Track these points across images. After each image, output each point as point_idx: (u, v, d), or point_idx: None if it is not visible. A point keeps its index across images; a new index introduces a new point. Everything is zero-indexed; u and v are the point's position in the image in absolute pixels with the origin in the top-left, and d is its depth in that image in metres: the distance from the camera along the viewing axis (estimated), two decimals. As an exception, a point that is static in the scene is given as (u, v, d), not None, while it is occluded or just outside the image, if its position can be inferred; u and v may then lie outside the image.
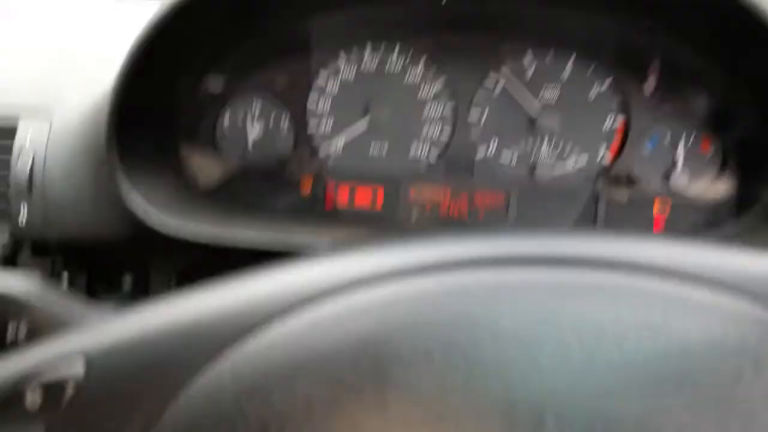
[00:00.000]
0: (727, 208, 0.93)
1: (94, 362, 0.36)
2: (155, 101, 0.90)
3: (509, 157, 0.98)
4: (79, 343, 0.37)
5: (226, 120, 1.00)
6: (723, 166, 0.93)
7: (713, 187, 0.94)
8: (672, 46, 0.90)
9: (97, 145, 0.83)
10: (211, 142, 1.01)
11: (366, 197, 1.00)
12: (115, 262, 0.99)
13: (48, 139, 0.87)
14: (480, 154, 0.99)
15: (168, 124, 0.96)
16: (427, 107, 0.99)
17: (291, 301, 0.33)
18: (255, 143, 1.00)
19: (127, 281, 0.99)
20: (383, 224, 0.99)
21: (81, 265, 0.96)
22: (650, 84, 0.93)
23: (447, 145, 0.99)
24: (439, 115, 0.99)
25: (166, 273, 0.98)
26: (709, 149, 0.94)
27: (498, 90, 0.97)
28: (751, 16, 0.73)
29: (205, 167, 1.00)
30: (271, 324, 0.33)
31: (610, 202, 0.96)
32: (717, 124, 0.92)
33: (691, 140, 0.94)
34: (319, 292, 0.33)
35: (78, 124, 0.87)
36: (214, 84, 0.99)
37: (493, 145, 0.98)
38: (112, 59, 0.80)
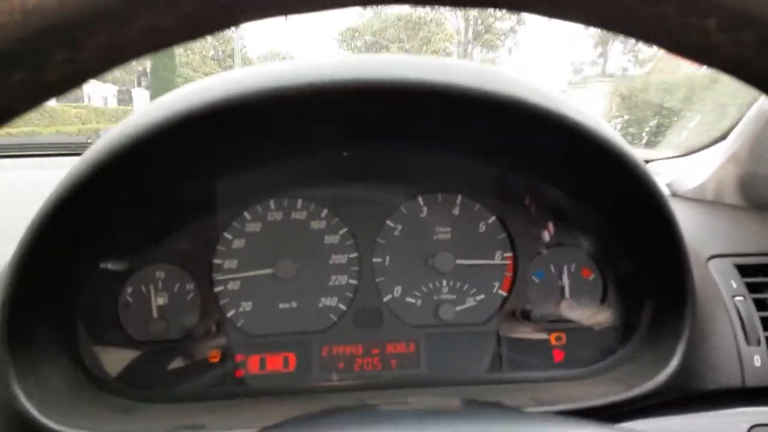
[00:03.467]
0: (615, 333, 1.01)
1: None
2: (51, 287, 0.86)
3: (413, 300, 1.02)
4: None
5: (127, 295, 0.98)
6: (605, 293, 1.02)
7: (601, 314, 1.02)
8: (547, 190, 1.01)
9: None
10: (112, 321, 0.97)
11: (278, 363, 0.99)
12: None
13: None
14: (386, 299, 1.02)
15: (64, 309, 0.91)
16: (333, 256, 1.03)
17: None
18: (160, 315, 0.97)
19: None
20: (297, 387, 0.97)
21: None
22: (534, 222, 1.03)
23: (354, 294, 1.02)
24: (345, 262, 1.03)
25: None
26: (590, 274, 1.03)
27: (397, 233, 1.03)
28: (620, 173, 0.83)
29: (107, 351, 0.96)
30: None
31: (510, 338, 1.01)
32: (596, 261, 1.02)
33: (572, 268, 1.03)
34: None
35: None
36: (113, 262, 0.97)
37: (398, 290, 1.03)
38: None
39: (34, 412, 0.78)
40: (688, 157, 1.40)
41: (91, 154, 0.75)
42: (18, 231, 0.77)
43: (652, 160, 1.48)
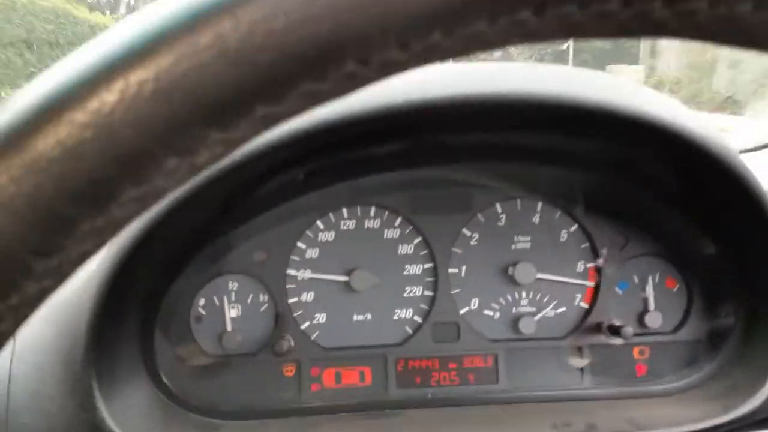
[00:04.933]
0: (701, 346, 0.97)
1: None
2: (131, 311, 0.84)
3: (491, 313, 0.99)
4: None
5: (200, 305, 0.96)
6: (690, 302, 0.98)
7: (687, 326, 0.98)
8: (634, 196, 0.97)
9: (69, 360, 0.77)
10: (186, 335, 0.95)
11: (353, 377, 0.97)
12: None
13: (12, 355, 0.80)
14: (462, 312, 0.99)
15: (143, 325, 0.89)
16: (407, 267, 1.00)
17: None
18: (233, 327, 0.95)
19: None
20: (374, 402, 0.95)
21: None
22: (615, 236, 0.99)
23: (430, 306, 0.99)
24: (419, 273, 1.00)
25: None
26: (675, 285, 0.99)
27: (473, 242, 1.00)
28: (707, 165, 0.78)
29: (182, 366, 0.94)
30: None
31: (592, 352, 0.98)
32: (682, 271, 0.98)
33: (657, 278, 0.99)
34: None
35: (47, 335, 0.80)
36: (187, 279, 0.94)
37: (475, 302, 1.00)
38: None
39: None
40: None
41: None
42: None
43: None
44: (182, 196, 0.71)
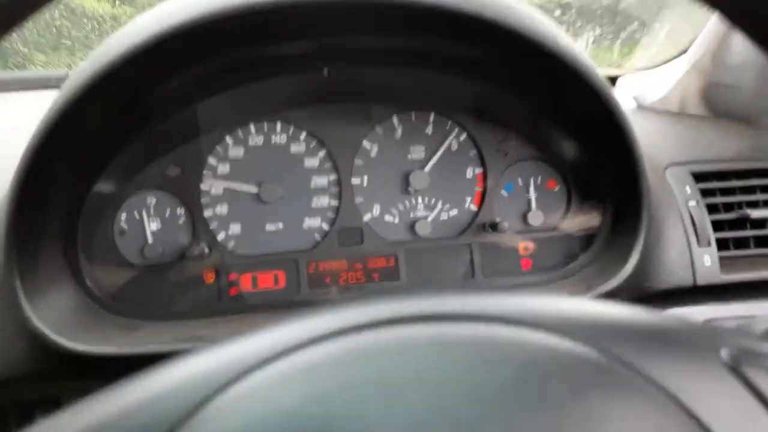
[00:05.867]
0: (578, 239, 1.08)
1: None
2: (49, 212, 0.91)
3: (391, 218, 1.09)
4: None
5: (122, 220, 1.04)
6: (569, 202, 1.09)
7: (566, 222, 1.09)
8: (516, 106, 1.06)
9: None
10: (109, 246, 1.03)
11: (268, 280, 1.06)
12: (24, 400, 0.98)
13: None
14: (366, 219, 1.09)
15: (64, 234, 0.97)
16: (313, 179, 1.09)
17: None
18: (154, 239, 1.04)
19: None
20: (288, 302, 1.05)
21: None
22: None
23: (336, 214, 1.09)
24: (325, 185, 1.09)
25: None
26: (555, 186, 1.10)
27: (373, 154, 1.09)
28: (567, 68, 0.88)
29: (106, 274, 1.02)
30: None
31: (482, 250, 1.09)
32: (561, 173, 1.09)
33: (539, 181, 1.09)
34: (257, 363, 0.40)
35: None
36: (105, 185, 1.02)
37: (376, 209, 1.09)
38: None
39: (48, 332, 0.85)
40: (658, 69, 1.44)
41: (77, 75, 0.78)
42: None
43: (621, 75, 1.51)
44: (83, 90, 0.77)
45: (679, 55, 1.35)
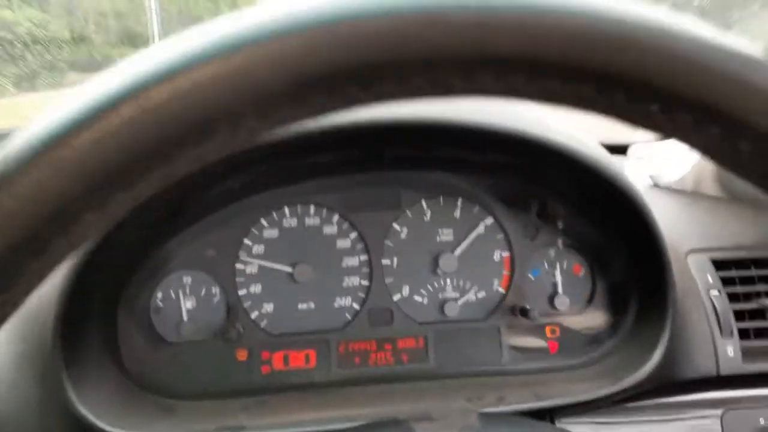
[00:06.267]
0: (603, 326, 1.11)
1: None
2: (94, 296, 0.94)
3: (420, 299, 1.12)
4: None
5: (158, 300, 1.06)
6: (594, 288, 1.12)
7: (591, 308, 1.12)
8: (544, 197, 1.11)
9: (41, 352, 0.87)
10: (145, 323, 1.05)
11: (300, 359, 1.08)
12: None
13: None
14: (396, 299, 1.11)
15: (104, 313, 0.99)
16: (345, 259, 1.11)
17: None
18: (189, 317, 1.06)
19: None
20: (318, 382, 1.07)
21: None
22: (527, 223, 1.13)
23: (366, 294, 1.11)
24: (356, 264, 1.12)
25: None
26: (580, 271, 1.13)
27: (403, 236, 1.12)
28: (607, 185, 0.94)
29: (143, 353, 1.04)
30: None
31: (510, 332, 1.11)
32: (587, 259, 1.13)
33: (564, 266, 1.13)
34: None
35: (21, 325, 0.90)
36: (145, 270, 1.05)
37: (406, 290, 1.12)
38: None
39: (90, 416, 0.87)
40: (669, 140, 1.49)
41: None
42: None
43: (631, 144, 1.56)
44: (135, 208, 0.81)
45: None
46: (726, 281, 1.07)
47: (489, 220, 1.13)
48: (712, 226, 1.17)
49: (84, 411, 0.87)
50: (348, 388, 1.06)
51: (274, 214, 1.10)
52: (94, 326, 0.95)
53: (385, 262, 1.12)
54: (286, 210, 1.10)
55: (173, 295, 1.07)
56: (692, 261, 1.08)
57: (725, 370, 1.01)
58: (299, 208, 1.10)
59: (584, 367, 1.07)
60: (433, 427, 0.62)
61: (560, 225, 1.12)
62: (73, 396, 0.87)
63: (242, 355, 1.07)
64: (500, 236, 1.13)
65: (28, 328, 0.90)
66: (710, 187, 1.31)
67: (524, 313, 1.09)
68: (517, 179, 1.09)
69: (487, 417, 0.71)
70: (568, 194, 1.08)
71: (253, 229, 1.09)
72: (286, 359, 1.08)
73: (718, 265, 1.08)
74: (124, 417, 0.91)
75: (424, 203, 1.12)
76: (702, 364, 1.01)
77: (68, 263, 0.85)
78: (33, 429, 0.90)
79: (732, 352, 1.02)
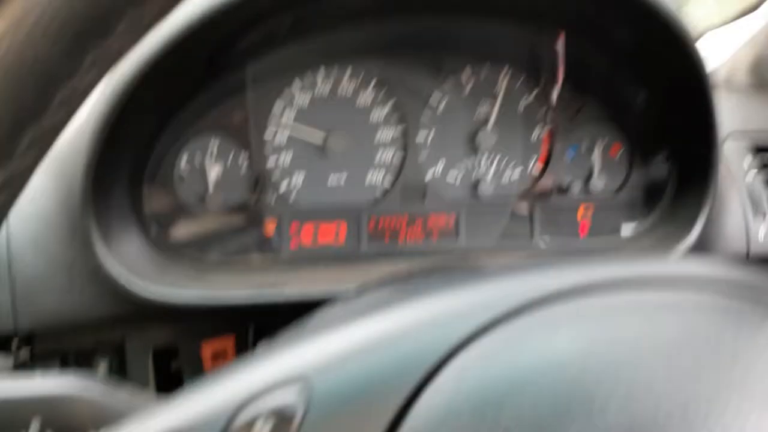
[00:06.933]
0: (638, 206, 1.10)
1: (314, 386, 0.36)
2: (123, 154, 0.89)
3: (454, 176, 1.09)
4: (293, 367, 0.38)
5: (183, 162, 1.00)
6: (630, 168, 1.10)
7: (625, 189, 1.11)
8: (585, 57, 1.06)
9: (67, 206, 0.83)
10: (169, 192, 0.99)
11: (329, 234, 1.05)
12: (87, 346, 0.97)
13: None
14: (429, 176, 1.08)
15: (132, 177, 0.94)
16: (379, 131, 1.06)
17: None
18: (215, 185, 1.00)
19: (102, 366, 0.97)
20: (348, 257, 1.05)
21: (51, 353, 0.93)
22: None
23: (400, 170, 1.07)
24: (390, 138, 1.06)
25: (142, 352, 0.98)
26: (617, 153, 1.10)
27: (441, 109, 1.06)
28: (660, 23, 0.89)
29: (168, 219, 1.00)
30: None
31: (542, 212, 1.09)
32: (626, 138, 1.09)
33: (603, 146, 1.10)
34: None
35: (44, 184, 0.85)
36: (173, 129, 0.98)
37: (440, 166, 1.08)
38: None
39: (120, 277, 0.84)
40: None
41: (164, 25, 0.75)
42: None
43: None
44: (169, 47, 0.76)
45: (724, 23, 1.35)
46: (762, 165, 1.06)
47: (532, 95, 1.08)
48: (748, 113, 1.15)
49: (113, 269, 0.83)
50: (377, 263, 1.04)
51: (307, 77, 1.03)
52: (122, 187, 0.90)
53: (420, 137, 1.07)
54: (322, 70, 1.03)
55: (198, 162, 1.00)
56: (729, 145, 1.06)
57: (755, 250, 1.02)
58: (336, 70, 1.03)
59: (616, 246, 1.07)
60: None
61: (608, 101, 1.08)
62: (102, 253, 0.83)
63: (270, 228, 1.04)
64: (542, 110, 1.08)
65: (52, 181, 0.85)
66: (744, 78, 1.28)
67: (560, 189, 1.07)
68: (576, 40, 1.03)
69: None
70: (629, 62, 1.04)
71: (285, 90, 1.02)
72: (315, 233, 1.05)
73: (756, 149, 1.07)
74: (154, 279, 0.88)
75: (468, 70, 1.06)
76: (733, 244, 1.02)
77: (93, 112, 0.79)
78: (62, 292, 0.86)
79: (763, 235, 1.02)
